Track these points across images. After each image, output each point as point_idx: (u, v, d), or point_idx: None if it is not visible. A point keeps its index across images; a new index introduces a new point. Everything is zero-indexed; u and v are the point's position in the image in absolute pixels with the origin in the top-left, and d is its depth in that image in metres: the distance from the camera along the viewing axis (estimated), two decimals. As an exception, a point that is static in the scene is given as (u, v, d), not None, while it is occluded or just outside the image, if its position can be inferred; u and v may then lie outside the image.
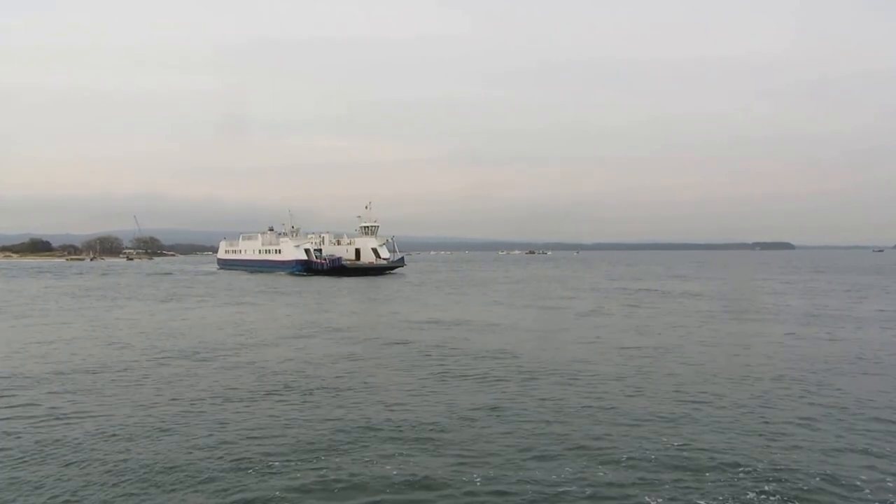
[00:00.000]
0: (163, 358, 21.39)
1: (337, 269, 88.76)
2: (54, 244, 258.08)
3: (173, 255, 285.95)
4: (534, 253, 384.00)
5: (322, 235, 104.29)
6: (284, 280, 76.23)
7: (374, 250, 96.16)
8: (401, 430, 12.90)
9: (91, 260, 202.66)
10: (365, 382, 17.44)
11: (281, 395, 16.06)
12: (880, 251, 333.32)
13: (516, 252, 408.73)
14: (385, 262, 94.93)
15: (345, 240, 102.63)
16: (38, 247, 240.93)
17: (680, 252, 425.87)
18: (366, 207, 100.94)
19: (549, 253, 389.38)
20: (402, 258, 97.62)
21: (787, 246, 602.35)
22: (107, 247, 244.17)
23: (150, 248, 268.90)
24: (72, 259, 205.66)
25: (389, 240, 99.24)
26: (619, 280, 74.42)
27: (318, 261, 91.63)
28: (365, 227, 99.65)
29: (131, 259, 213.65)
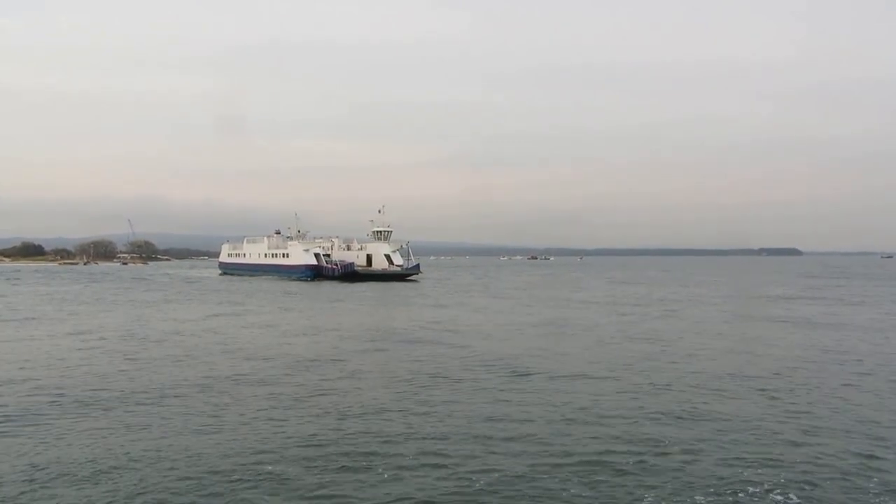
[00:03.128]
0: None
1: (349, 275, 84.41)
2: (47, 248, 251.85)
3: (168, 260, 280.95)
4: (535, 258, 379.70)
5: (332, 240, 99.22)
6: (298, 286, 70.33)
7: (387, 256, 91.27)
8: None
9: (84, 264, 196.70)
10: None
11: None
12: (889, 257, 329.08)
13: (518, 257, 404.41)
14: (399, 268, 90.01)
15: (355, 245, 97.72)
16: (29, 250, 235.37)
17: (686, 258, 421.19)
18: (378, 211, 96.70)
19: (551, 258, 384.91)
20: (418, 265, 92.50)
21: (794, 252, 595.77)
22: (100, 251, 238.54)
23: (145, 252, 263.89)
24: (64, 263, 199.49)
25: (404, 245, 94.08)
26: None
27: (329, 266, 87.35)
28: (377, 231, 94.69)
29: (125, 263, 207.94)
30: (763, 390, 16.86)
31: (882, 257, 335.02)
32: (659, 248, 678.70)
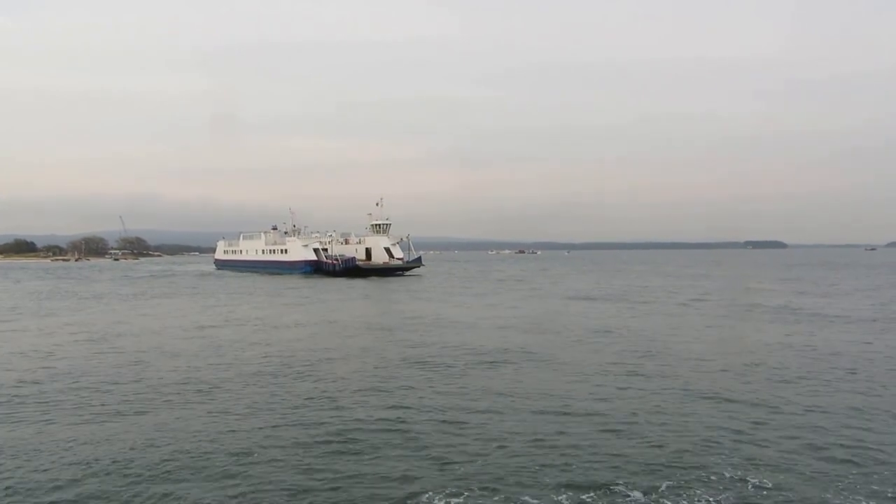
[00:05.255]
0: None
1: (350, 269, 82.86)
2: (40, 245, 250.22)
3: (159, 256, 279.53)
4: (523, 252, 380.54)
5: (329, 234, 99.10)
6: (300, 282, 70.93)
7: (387, 249, 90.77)
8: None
9: (76, 260, 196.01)
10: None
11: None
12: (873, 249, 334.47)
13: (506, 252, 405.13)
14: (400, 262, 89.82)
15: (353, 239, 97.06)
16: (22, 247, 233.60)
17: (672, 251, 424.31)
18: (376, 204, 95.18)
19: (539, 253, 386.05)
20: (420, 258, 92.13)
21: (779, 245, 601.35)
22: (92, 247, 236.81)
23: (136, 248, 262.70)
24: (56, 260, 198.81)
25: (404, 238, 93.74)
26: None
27: (330, 261, 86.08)
28: (376, 224, 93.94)
29: (117, 260, 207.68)
30: (745, 379, 17.16)
31: (866, 249, 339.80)
32: (646, 241, 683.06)
